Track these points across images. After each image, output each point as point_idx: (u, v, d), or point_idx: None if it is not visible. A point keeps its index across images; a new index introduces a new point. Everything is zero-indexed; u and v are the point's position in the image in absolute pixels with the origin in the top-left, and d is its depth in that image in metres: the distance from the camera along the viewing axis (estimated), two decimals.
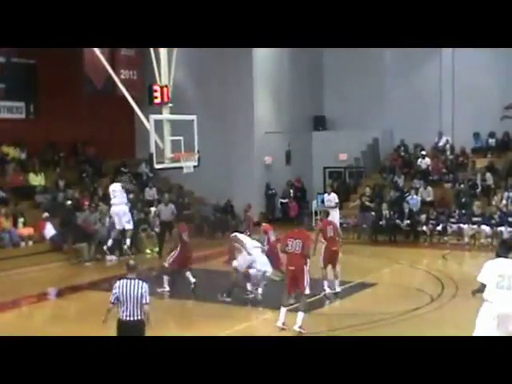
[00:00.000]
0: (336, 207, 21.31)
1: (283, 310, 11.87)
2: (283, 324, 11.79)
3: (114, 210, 18.54)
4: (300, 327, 11.59)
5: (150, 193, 24.23)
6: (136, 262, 9.55)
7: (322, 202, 26.37)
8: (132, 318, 8.71)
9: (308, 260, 11.89)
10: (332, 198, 21.59)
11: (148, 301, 8.76)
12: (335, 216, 20.75)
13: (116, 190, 18.41)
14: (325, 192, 27.87)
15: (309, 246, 12.03)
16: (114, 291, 8.91)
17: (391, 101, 27.33)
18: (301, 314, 11.64)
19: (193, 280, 14.89)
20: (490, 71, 25.19)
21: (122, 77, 22.81)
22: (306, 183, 28.21)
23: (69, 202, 21.54)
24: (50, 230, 20.10)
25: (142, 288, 8.76)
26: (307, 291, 11.78)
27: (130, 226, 18.62)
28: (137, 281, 8.84)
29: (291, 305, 12.16)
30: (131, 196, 20.18)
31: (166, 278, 15.22)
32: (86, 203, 21.19)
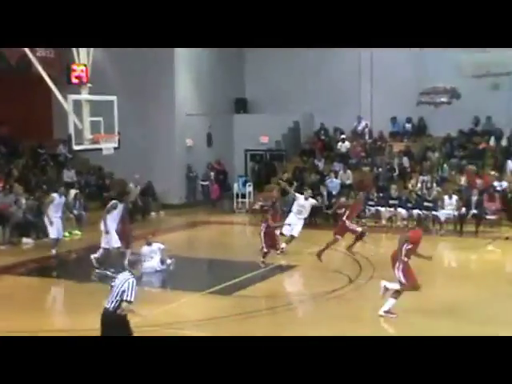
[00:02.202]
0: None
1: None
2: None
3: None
4: (386, 312, 11.71)
5: (69, 174, 23.78)
6: (135, 258, 9.26)
7: (244, 184, 26.51)
8: (108, 306, 8.44)
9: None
10: (308, 206, 17.33)
11: (130, 299, 8.33)
12: (298, 227, 17.17)
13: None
14: (246, 174, 28.20)
15: (411, 246, 11.73)
16: None
17: (312, 85, 27.57)
18: (391, 300, 11.74)
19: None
20: (408, 58, 25.69)
21: (38, 54, 22.05)
22: (228, 166, 28.20)
23: None
24: None
25: (127, 283, 8.42)
26: (399, 285, 11.69)
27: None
28: (128, 275, 8.57)
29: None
30: None
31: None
32: (1, 185, 20.53)
